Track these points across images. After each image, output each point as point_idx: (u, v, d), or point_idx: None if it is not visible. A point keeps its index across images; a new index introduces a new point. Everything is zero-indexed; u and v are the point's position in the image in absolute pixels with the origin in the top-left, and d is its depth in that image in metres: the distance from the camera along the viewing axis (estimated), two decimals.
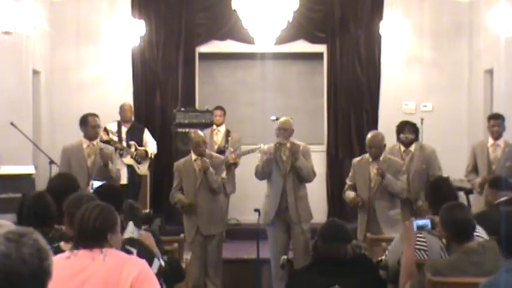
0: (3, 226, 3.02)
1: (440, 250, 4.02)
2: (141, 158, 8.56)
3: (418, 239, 4.01)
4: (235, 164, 8.49)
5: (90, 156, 6.64)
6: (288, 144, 6.37)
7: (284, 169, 6.44)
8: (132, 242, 3.65)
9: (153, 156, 8.77)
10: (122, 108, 8.79)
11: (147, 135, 8.79)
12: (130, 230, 3.97)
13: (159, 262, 3.67)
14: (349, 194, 6.39)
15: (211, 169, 6.47)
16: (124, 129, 8.67)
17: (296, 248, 6.53)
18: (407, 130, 7.02)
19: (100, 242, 3.02)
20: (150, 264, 3.43)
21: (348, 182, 6.53)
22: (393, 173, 6.23)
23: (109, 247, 3.04)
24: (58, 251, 3.22)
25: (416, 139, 7.07)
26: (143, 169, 8.66)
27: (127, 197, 4.60)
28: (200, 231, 6.56)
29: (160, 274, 3.62)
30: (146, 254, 3.52)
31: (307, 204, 6.60)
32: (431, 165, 6.92)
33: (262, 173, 6.45)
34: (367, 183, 6.31)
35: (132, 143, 8.57)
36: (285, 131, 6.42)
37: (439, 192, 4.38)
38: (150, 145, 8.73)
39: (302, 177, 6.48)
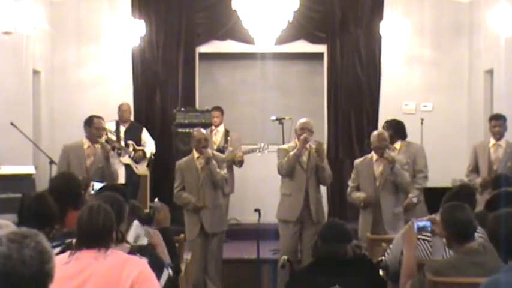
0: (4, 226, 3.03)
1: (443, 250, 4.03)
2: (138, 158, 8.56)
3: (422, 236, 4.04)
4: (241, 162, 8.49)
5: (90, 157, 6.63)
6: (314, 144, 6.41)
7: (305, 168, 6.47)
8: (143, 250, 3.56)
9: (152, 156, 8.76)
10: (120, 109, 8.78)
11: (145, 135, 8.78)
12: (138, 231, 3.94)
13: (168, 272, 3.64)
14: (359, 194, 6.40)
15: (213, 161, 6.48)
16: (122, 129, 8.66)
17: (308, 249, 6.40)
18: (386, 127, 7.13)
19: (107, 242, 3.03)
20: (160, 273, 3.42)
21: (351, 184, 6.53)
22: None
23: (114, 246, 3.05)
24: (71, 246, 3.16)
25: (399, 135, 7.11)
26: (141, 169, 8.64)
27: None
28: (203, 229, 6.55)
29: (168, 284, 3.58)
30: (157, 264, 3.48)
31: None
32: (417, 161, 7.01)
33: (289, 167, 6.41)
34: (372, 182, 6.36)
35: (130, 142, 8.56)
36: (309, 131, 6.46)
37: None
38: (149, 145, 8.72)
39: (323, 177, 6.53)
